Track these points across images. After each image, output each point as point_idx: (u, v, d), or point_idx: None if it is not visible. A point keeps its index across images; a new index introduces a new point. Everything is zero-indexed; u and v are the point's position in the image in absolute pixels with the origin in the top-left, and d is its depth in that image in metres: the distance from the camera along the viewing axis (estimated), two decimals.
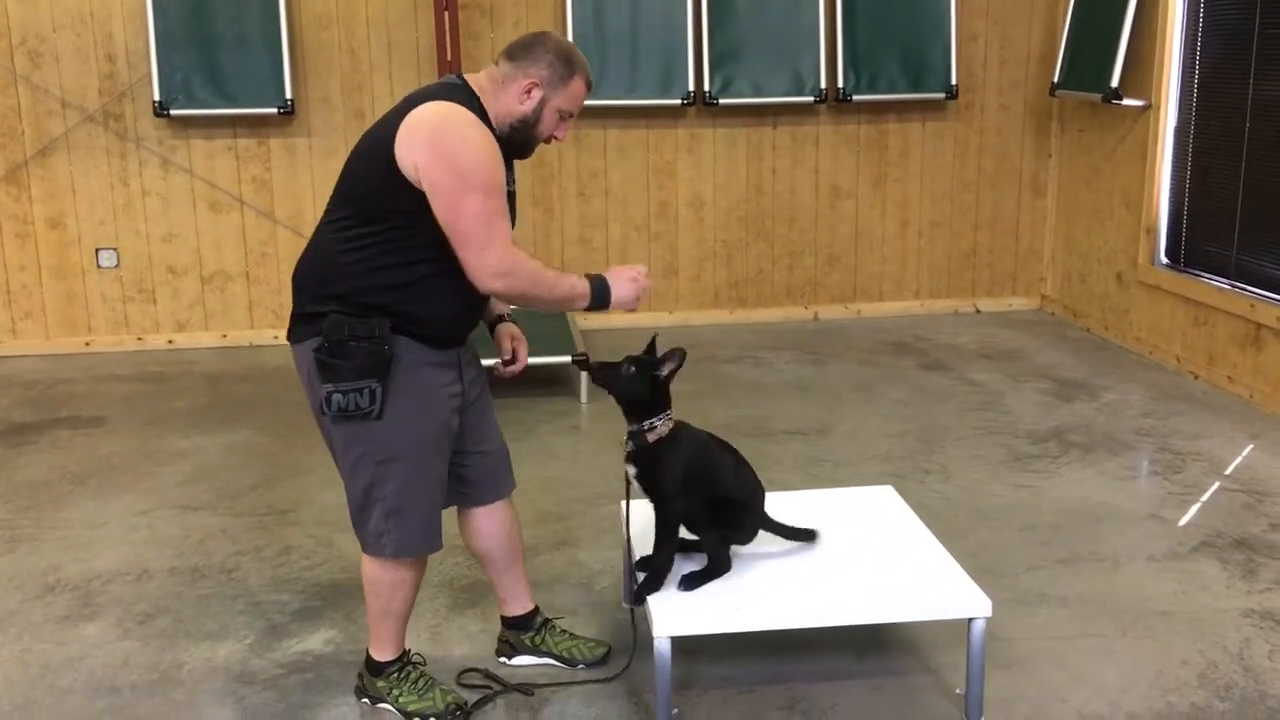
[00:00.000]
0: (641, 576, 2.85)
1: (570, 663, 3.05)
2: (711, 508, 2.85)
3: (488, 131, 2.57)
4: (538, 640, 3.07)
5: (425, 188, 2.50)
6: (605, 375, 2.79)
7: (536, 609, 3.10)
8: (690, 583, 2.81)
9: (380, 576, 2.78)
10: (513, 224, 2.63)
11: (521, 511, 3.94)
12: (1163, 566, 3.60)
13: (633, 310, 2.79)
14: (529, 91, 2.62)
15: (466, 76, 2.66)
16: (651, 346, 2.82)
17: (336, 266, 2.59)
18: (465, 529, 2.98)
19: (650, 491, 2.82)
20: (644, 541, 2.96)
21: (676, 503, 2.80)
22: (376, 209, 2.56)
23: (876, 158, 6.56)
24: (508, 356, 2.95)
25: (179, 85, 5.84)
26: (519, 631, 3.08)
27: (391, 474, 2.65)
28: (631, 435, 2.80)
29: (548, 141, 2.74)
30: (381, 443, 2.63)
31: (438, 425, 2.69)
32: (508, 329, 2.96)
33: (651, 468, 2.79)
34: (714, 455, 2.88)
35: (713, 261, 6.55)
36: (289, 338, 2.70)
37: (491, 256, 2.52)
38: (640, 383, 2.76)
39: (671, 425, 2.81)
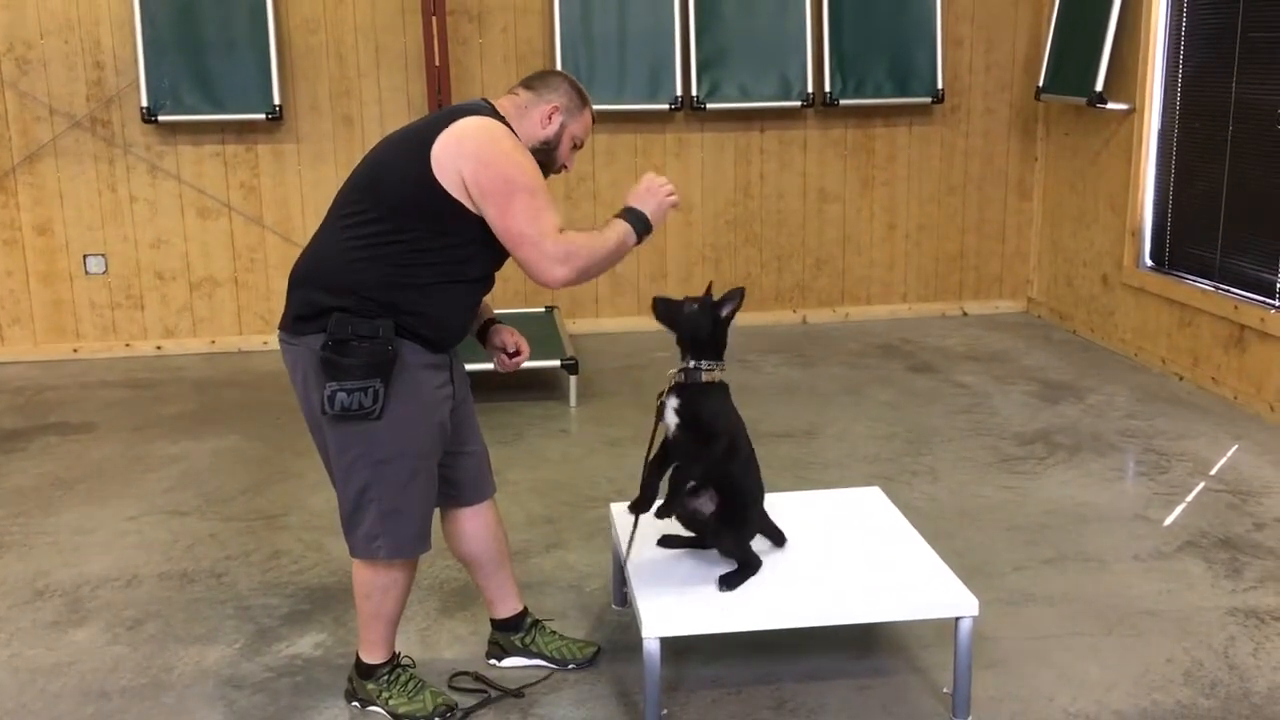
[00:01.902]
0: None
1: (561, 663, 3.06)
2: (720, 507, 2.86)
3: (525, 148, 2.67)
4: (528, 641, 3.08)
5: (474, 193, 2.57)
6: (669, 310, 2.83)
7: (526, 610, 3.11)
8: (729, 582, 2.83)
9: (372, 580, 2.79)
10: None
11: (511, 514, 3.97)
12: (1148, 566, 3.62)
13: (675, 207, 2.80)
14: (550, 116, 2.75)
15: (491, 101, 2.73)
16: (709, 290, 2.87)
17: (351, 261, 2.61)
18: (452, 533, 2.99)
19: (690, 426, 2.79)
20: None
21: (717, 443, 2.80)
22: (402, 210, 2.60)
23: (864, 161, 6.58)
24: (511, 350, 2.97)
25: (167, 91, 5.84)
26: (509, 633, 3.09)
27: (389, 474, 2.67)
28: (683, 370, 2.82)
29: (558, 171, 2.83)
30: (380, 443, 2.64)
31: (434, 426, 2.72)
32: (504, 327, 2.99)
33: (699, 401, 2.80)
34: (744, 431, 2.91)
35: (701, 265, 6.56)
36: (285, 330, 2.70)
37: (549, 247, 2.60)
38: (703, 319, 2.81)
39: (721, 377, 2.84)
